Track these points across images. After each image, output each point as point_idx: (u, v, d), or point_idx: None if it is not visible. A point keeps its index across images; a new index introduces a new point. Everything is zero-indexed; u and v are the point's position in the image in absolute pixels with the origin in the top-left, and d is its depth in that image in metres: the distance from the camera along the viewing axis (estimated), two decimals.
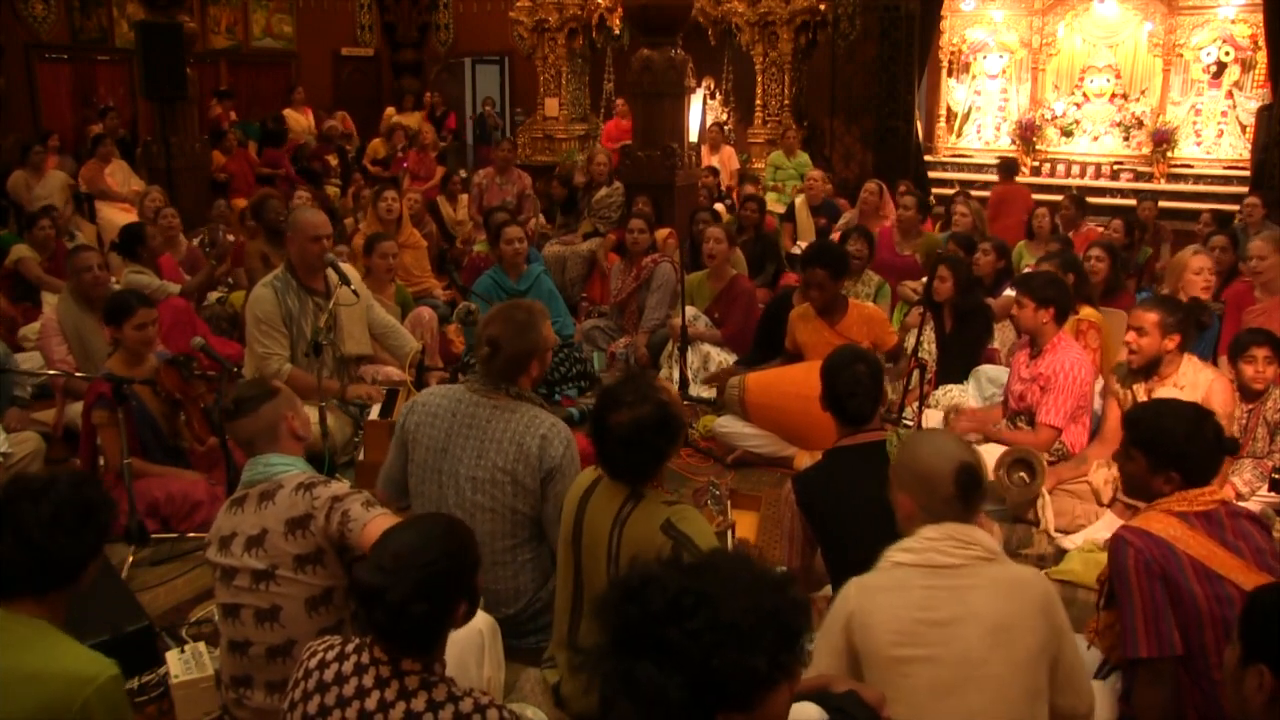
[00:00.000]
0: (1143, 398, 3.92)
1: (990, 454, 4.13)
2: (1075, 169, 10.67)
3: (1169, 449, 2.48)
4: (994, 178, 10.26)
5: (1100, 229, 7.11)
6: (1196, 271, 5.05)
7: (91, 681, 1.91)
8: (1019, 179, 9.60)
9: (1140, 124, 10.61)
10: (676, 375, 5.43)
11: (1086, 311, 4.88)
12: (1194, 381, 3.89)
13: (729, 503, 3.90)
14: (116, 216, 8.69)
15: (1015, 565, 2.25)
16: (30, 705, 1.87)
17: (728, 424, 4.82)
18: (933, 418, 4.56)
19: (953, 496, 2.19)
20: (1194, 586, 2.33)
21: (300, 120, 12.30)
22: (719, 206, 8.56)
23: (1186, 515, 2.44)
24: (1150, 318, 3.90)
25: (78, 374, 4.53)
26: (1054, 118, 11.01)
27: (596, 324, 6.60)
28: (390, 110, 12.87)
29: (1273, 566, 2.43)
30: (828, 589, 2.87)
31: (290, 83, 13.75)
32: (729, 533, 3.58)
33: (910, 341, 5.25)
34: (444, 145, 12.25)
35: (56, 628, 2.04)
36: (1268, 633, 1.71)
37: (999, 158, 10.04)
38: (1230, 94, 10.35)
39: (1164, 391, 3.87)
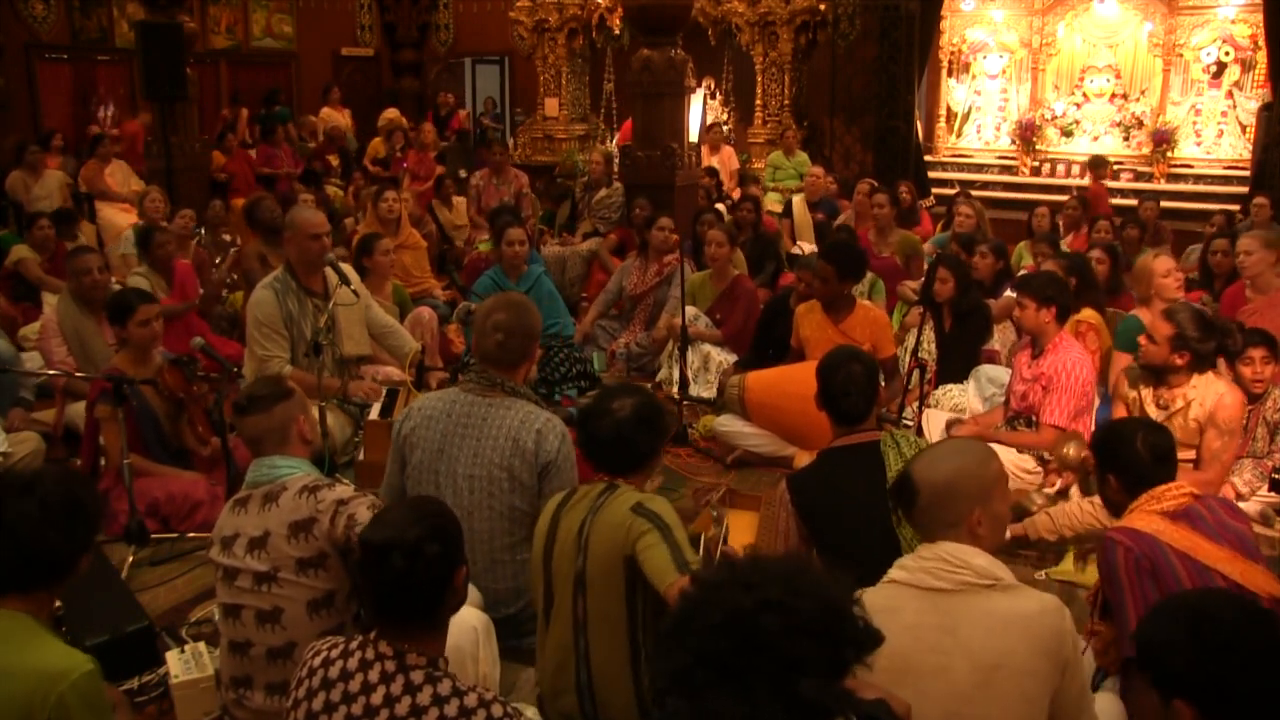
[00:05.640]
0: (1150, 402, 3.89)
1: None
2: (1075, 169, 10.66)
3: (1106, 456, 2.65)
4: (993, 177, 11.08)
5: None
6: (1165, 275, 4.90)
7: (65, 677, 1.90)
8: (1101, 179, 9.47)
9: (1140, 124, 10.60)
10: (676, 375, 5.43)
11: (1086, 313, 4.87)
12: (1204, 394, 3.76)
13: (728, 508, 3.89)
14: (116, 217, 8.70)
15: (1022, 595, 2.05)
16: (5, 701, 1.86)
17: (728, 424, 4.83)
18: (933, 418, 4.56)
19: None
20: (1183, 580, 2.35)
21: (339, 119, 12.25)
22: (719, 207, 8.57)
23: (1166, 513, 2.47)
24: (1165, 330, 3.76)
25: (78, 374, 4.53)
26: (1054, 118, 11.00)
27: (599, 323, 6.60)
28: (393, 112, 12.89)
29: (1256, 553, 2.48)
30: None
31: (290, 83, 13.71)
32: (721, 537, 3.53)
33: (910, 341, 5.25)
34: (446, 145, 12.25)
35: (41, 623, 2.02)
36: (1170, 668, 1.67)
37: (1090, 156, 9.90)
38: (1230, 94, 10.34)
39: (1173, 399, 3.84)
